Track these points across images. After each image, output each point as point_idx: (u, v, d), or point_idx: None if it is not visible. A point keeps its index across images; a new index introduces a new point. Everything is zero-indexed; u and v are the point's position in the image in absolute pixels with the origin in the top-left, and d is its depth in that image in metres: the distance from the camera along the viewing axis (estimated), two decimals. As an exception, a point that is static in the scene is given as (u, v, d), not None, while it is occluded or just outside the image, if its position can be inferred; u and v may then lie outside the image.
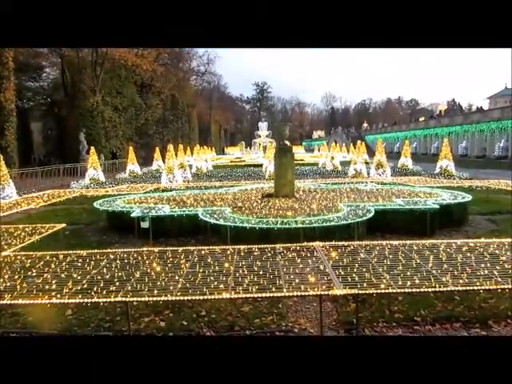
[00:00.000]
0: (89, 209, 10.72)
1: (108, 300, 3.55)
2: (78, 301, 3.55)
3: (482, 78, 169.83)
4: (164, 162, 19.35)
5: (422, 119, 63.09)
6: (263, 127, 48.60)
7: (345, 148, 40.07)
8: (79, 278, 4.20)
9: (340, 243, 5.05)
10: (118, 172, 25.40)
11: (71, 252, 5.10)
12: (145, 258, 4.87)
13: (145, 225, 7.16)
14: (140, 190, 12.68)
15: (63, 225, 7.19)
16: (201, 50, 63.50)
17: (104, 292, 3.74)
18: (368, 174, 18.35)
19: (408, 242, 5.11)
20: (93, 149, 19.24)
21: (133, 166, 23.07)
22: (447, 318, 4.09)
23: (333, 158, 23.96)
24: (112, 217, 8.61)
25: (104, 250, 5.18)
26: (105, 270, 4.41)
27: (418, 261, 4.39)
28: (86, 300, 3.54)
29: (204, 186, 14.10)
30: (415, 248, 4.89)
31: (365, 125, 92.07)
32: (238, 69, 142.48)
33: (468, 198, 8.72)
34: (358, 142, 20.20)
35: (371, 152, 32.38)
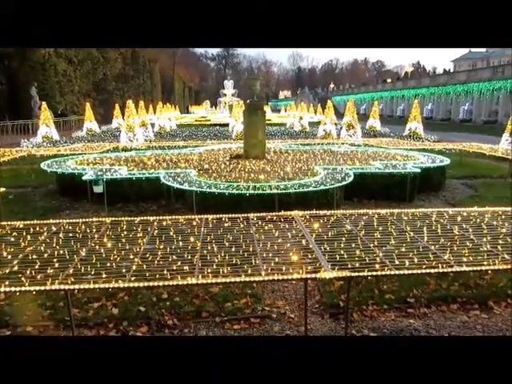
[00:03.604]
0: (38, 170, 9.67)
1: (41, 288, 2.81)
2: (1, 289, 2.80)
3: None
4: (124, 119, 18.06)
5: (388, 81, 62.96)
6: (229, 85, 46.94)
7: (312, 109, 39.34)
8: (10, 257, 3.42)
9: (321, 213, 4.44)
10: (75, 130, 23.78)
11: (4, 223, 4.26)
12: (94, 230, 4.10)
13: (98, 189, 6.32)
14: (96, 150, 11.61)
15: (2, 189, 6.23)
16: None
17: (39, 276, 3.01)
18: (338, 135, 17.84)
19: (396, 210, 4.57)
20: (45, 104, 17.72)
21: (90, 123, 21.59)
22: (443, 299, 3.65)
23: (301, 118, 23.28)
24: (63, 179, 7.67)
25: (45, 221, 4.35)
26: (43, 247, 3.63)
27: (412, 234, 3.87)
28: (12, 289, 2.79)
29: (167, 145, 13.14)
30: (405, 218, 4.36)
31: (331, 85, 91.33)
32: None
33: (446, 161, 8.33)
34: (328, 101, 19.48)
35: (338, 113, 31.93)
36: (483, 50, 77.33)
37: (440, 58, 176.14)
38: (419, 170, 7.08)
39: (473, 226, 4.10)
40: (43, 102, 18.20)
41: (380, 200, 6.89)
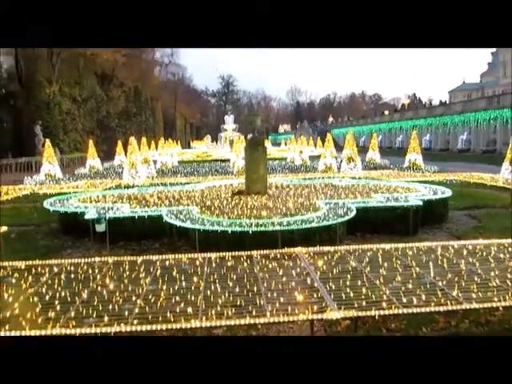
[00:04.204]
0: (41, 208, 9.67)
1: (41, 334, 2.76)
2: (1, 334, 2.74)
3: (440, 73, 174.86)
4: (127, 156, 18.23)
5: (386, 113, 63.93)
6: (229, 121, 47.59)
7: (312, 142, 39.74)
8: (11, 299, 3.37)
9: (325, 249, 4.42)
10: (78, 167, 23.98)
11: (6, 264, 4.23)
12: (96, 270, 4.07)
13: (100, 228, 6.29)
14: (99, 187, 11.67)
15: (4, 228, 6.22)
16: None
17: (39, 320, 2.96)
18: (338, 168, 17.93)
19: (400, 245, 4.54)
20: (48, 142, 17.92)
21: (93, 160, 21.75)
22: (453, 337, 3.54)
23: (301, 152, 23.48)
24: (65, 218, 7.66)
25: (47, 262, 4.32)
26: (44, 289, 3.59)
27: (418, 269, 3.82)
28: (12, 334, 2.74)
29: (169, 182, 13.21)
30: (410, 253, 4.32)
31: (330, 119, 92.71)
32: (203, 61, 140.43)
33: (448, 192, 8.34)
34: (328, 135, 19.71)
35: (338, 146, 32.21)
36: (477, 80, 78.84)
37: (435, 90, 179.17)
38: (421, 203, 7.07)
39: (480, 260, 4.06)
40: (47, 140, 18.44)
41: (383, 234, 6.83)
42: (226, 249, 4.57)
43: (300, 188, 9.56)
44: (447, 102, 59.06)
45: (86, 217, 6.56)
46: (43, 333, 2.77)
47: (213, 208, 7.11)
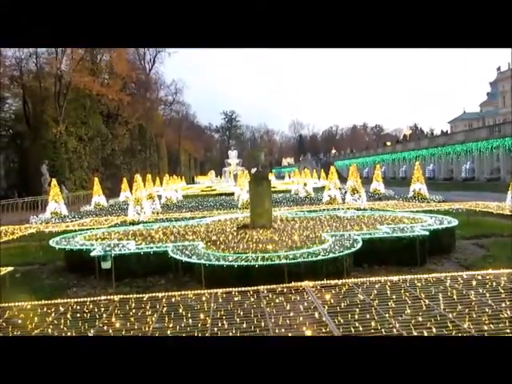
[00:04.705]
0: (46, 246, 9.68)
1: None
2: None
3: (440, 103, 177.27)
4: (132, 193, 18.38)
5: (388, 144, 64.45)
6: (233, 155, 48.20)
7: (315, 174, 39.99)
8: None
9: (333, 282, 4.38)
10: (83, 204, 24.14)
11: (12, 304, 4.20)
12: (102, 309, 4.04)
13: (106, 265, 6.28)
14: (104, 224, 11.70)
15: (10, 268, 6.22)
16: (168, 80, 63.29)
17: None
18: (343, 199, 17.94)
19: (409, 276, 4.50)
20: (54, 181, 18.13)
21: (98, 197, 21.92)
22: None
23: (305, 184, 23.59)
24: (71, 256, 7.67)
25: (52, 301, 4.30)
26: (50, 329, 3.55)
27: (427, 301, 3.76)
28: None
29: (174, 217, 13.24)
30: (419, 285, 4.27)
31: (333, 151, 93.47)
32: (206, 98, 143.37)
33: (454, 222, 8.29)
34: (331, 167, 19.87)
35: (342, 178, 32.37)
36: (477, 110, 79.72)
37: (436, 120, 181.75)
38: (428, 233, 7.03)
39: (489, 291, 4.00)
40: (53, 179, 18.66)
41: (391, 265, 6.75)
42: (232, 284, 4.53)
43: (305, 220, 9.55)
44: (448, 132, 59.60)
45: (92, 254, 6.56)
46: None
47: (218, 242, 7.09)
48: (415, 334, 3.07)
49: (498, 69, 65.47)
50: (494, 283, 4.19)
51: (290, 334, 3.18)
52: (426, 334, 3.03)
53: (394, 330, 3.15)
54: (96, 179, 23.21)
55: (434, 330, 3.12)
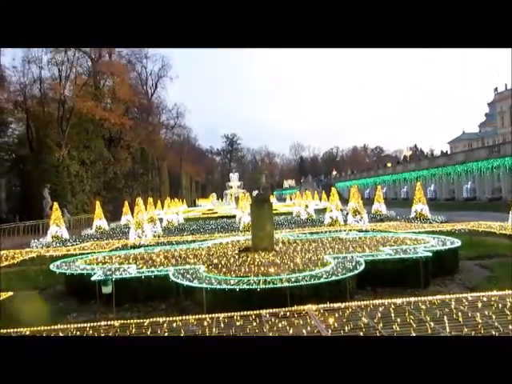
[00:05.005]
0: (47, 270, 9.63)
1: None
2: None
3: (439, 124, 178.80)
4: (133, 216, 18.38)
5: (389, 165, 64.65)
6: (234, 178, 48.39)
7: (317, 196, 40.02)
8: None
9: (336, 305, 4.32)
10: (84, 228, 24.11)
11: (10, 330, 4.14)
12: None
13: (107, 290, 6.23)
14: (105, 248, 11.67)
15: (10, 293, 6.17)
16: (170, 104, 64.01)
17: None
18: (345, 221, 17.89)
19: (413, 299, 4.44)
20: (56, 204, 18.18)
21: (100, 221, 21.93)
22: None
23: (307, 206, 23.58)
24: (71, 280, 7.61)
25: (52, 327, 4.24)
26: (49, 357, 3.49)
27: (432, 324, 3.70)
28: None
29: (175, 240, 13.20)
30: (423, 307, 4.21)
31: (334, 172, 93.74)
32: (208, 121, 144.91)
33: (457, 242, 8.24)
34: (333, 188, 19.88)
35: (343, 199, 32.37)
36: (476, 130, 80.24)
37: (436, 141, 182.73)
38: (431, 254, 6.98)
39: (496, 313, 3.94)
40: (55, 203, 18.70)
41: (394, 287, 6.68)
42: (234, 307, 4.48)
43: (307, 243, 9.50)
44: (448, 152, 59.87)
45: (93, 278, 6.52)
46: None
47: (220, 266, 7.04)
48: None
49: (496, 89, 66.23)
50: (500, 305, 4.13)
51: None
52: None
53: (400, 355, 3.09)
54: (97, 203, 23.25)
55: (440, 354, 3.05)
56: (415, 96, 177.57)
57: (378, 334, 3.54)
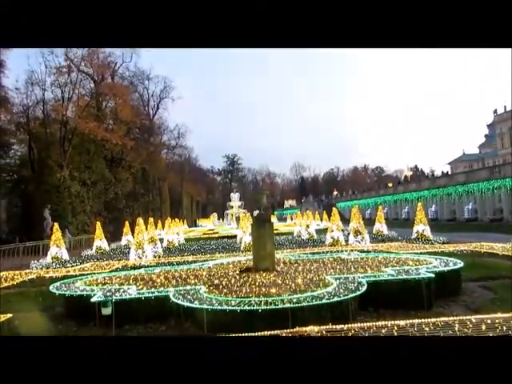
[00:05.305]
0: (46, 292, 9.55)
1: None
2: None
3: (440, 145, 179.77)
4: (134, 236, 18.33)
5: (390, 185, 64.71)
6: (235, 198, 48.43)
7: (318, 216, 39.97)
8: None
9: (338, 327, 4.27)
10: (85, 249, 24.01)
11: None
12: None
13: (106, 311, 6.17)
14: (105, 269, 11.61)
15: (9, 315, 6.11)
16: (171, 125, 64.59)
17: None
18: (346, 241, 17.82)
19: (416, 321, 4.39)
20: (56, 225, 18.14)
21: (100, 241, 21.85)
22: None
23: (308, 226, 23.53)
24: (70, 302, 7.54)
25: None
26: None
27: (436, 346, 3.65)
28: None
29: (176, 261, 13.14)
30: (426, 329, 4.15)
31: (335, 192, 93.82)
32: (209, 141, 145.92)
33: (460, 263, 8.19)
34: (334, 208, 19.88)
35: (344, 219, 32.30)
36: (476, 151, 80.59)
37: (436, 162, 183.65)
38: (433, 275, 6.93)
39: (500, 335, 3.88)
40: (55, 223, 18.66)
41: (397, 309, 6.60)
42: (235, 329, 4.42)
43: (308, 263, 9.45)
44: (449, 173, 59.99)
45: (93, 300, 6.46)
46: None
47: (221, 286, 6.99)
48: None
49: (495, 111, 66.80)
50: (504, 327, 4.08)
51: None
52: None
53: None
54: (98, 223, 23.22)
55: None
56: (415, 117, 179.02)
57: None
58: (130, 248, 17.62)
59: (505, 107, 63.02)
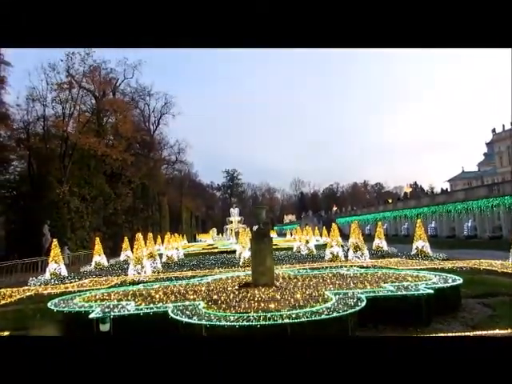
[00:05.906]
0: (44, 309, 9.50)
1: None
2: None
3: (439, 162, 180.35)
4: (133, 251, 18.29)
5: (390, 201, 64.75)
6: (235, 213, 48.44)
7: (317, 231, 39.92)
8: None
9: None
10: (84, 264, 23.90)
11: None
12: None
13: (105, 328, 6.13)
14: (104, 285, 11.56)
15: (6, 333, 6.08)
16: (172, 140, 64.88)
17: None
18: (345, 257, 17.79)
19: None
20: (55, 241, 18.09)
21: (99, 257, 21.80)
22: None
23: (307, 241, 23.49)
24: (68, 318, 7.50)
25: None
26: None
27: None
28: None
29: (175, 276, 13.09)
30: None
31: (334, 208, 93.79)
32: (209, 157, 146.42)
33: (459, 280, 8.18)
34: (333, 224, 19.89)
35: (343, 235, 32.27)
36: (476, 169, 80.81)
37: (435, 179, 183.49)
38: (432, 291, 6.93)
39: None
40: (54, 240, 18.62)
41: (396, 325, 6.58)
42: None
43: (308, 278, 9.43)
44: (448, 190, 60.08)
45: (91, 316, 6.44)
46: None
47: (219, 302, 6.98)
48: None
49: (493, 130, 67.17)
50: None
51: None
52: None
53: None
54: (97, 239, 23.20)
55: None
56: (416, 134, 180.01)
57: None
58: (128, 263, 17.57)
59: (503, 126, 63.43)
